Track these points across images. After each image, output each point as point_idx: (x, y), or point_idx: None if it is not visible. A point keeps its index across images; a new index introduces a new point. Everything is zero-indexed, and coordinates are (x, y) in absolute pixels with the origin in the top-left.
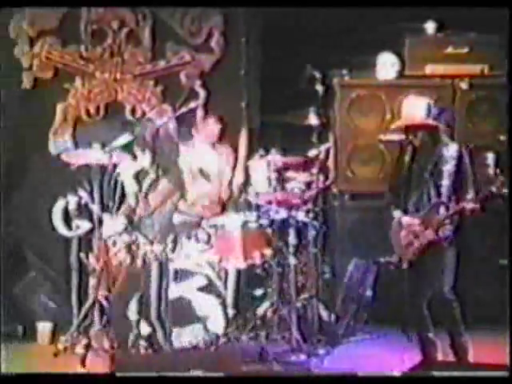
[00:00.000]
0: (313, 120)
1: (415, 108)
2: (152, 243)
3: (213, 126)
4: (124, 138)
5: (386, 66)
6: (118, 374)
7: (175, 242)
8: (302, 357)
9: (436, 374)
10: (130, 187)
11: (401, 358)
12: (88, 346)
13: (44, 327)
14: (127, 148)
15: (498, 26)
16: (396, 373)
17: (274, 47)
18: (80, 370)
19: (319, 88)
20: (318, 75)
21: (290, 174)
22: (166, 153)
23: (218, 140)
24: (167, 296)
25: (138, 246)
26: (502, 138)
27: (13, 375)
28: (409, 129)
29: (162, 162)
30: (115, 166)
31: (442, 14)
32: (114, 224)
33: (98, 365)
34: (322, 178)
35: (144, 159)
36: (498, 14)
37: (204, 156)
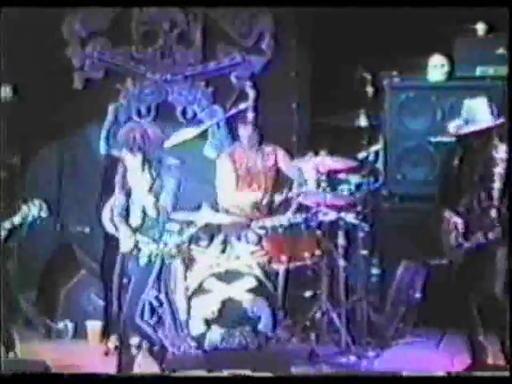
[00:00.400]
0: (363, 122)
1: (477, 111)
2: (157, 242)
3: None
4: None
5: (437, 67)
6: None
7: (224, 242)
8: (352, 359)
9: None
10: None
11: (450, 361)
12: (138, 346)
13: (94, 326)
14: None
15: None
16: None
17: (325, 48)
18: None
19: (369, 89)
20: (368, 76)
21: (339, 175)
22: (154, 153)
23: (263, 141)
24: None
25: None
26: None
27: (13, 375)
28: (473, 135)
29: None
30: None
31: (492, 14)
32: (127, 243)
33: (147, 364)
34: (371, 179)
35: (135, 161)
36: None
37: (249, 157)
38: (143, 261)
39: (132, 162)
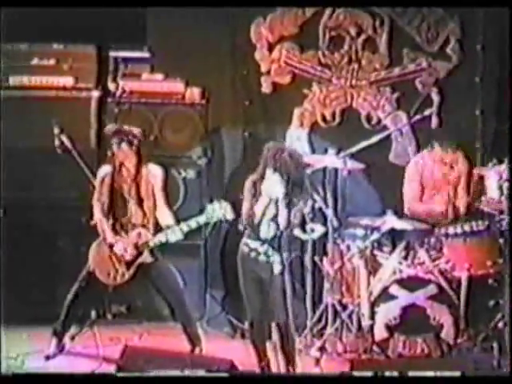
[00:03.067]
0: None
1: None
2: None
3: None
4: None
5: None
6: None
7: (407, 249)
8: None
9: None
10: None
11: None
12: (322, 349)
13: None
14: None
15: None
16: None
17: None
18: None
19: None
20: None
21: None
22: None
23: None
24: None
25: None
26: None
27: (13, 375)
28: None
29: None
30: (349, 172)
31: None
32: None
33: (332, 367)
34: None
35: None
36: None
37: (435, 165)
38: (277, 268)
39: (274, 179)
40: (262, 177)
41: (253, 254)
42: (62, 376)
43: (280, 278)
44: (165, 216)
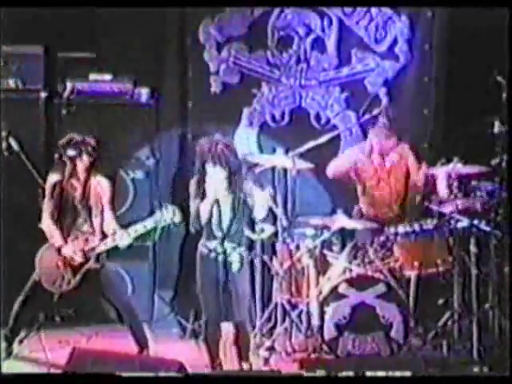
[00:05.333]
0: (497, 128)
1: None
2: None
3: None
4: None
5: None
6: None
7: (357, 248)
8: (485, 369)
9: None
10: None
11: None
12: (271, 349)
13: (228, 327)
14: None
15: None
16: None
17: (460, 53)
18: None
19: (504, 95)
20: (503, 82)
21: (472, 182)
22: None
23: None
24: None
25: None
26: None
27: (13, 375)
28: None
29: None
30: (298, 171)
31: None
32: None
33: (281, 366)
34: (504, 187)
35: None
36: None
37: (379, 163)
38: (236, 266)
39: (216, 174)
40: (204, 175)
41: (212, 255)
42: (62, 376)
43: (239, 276)
44: (111, 229)
